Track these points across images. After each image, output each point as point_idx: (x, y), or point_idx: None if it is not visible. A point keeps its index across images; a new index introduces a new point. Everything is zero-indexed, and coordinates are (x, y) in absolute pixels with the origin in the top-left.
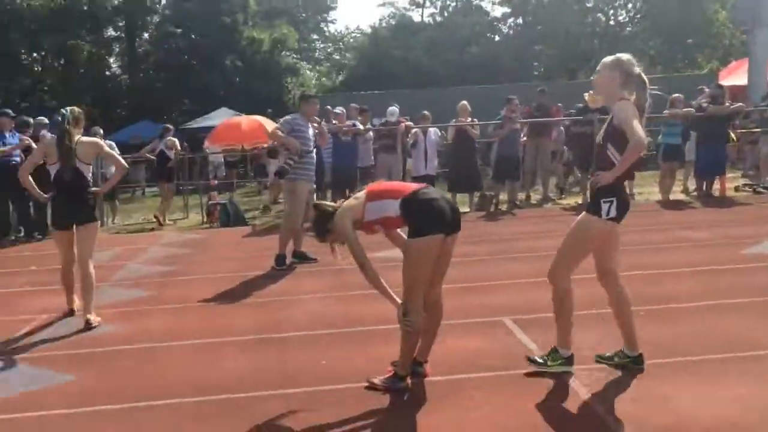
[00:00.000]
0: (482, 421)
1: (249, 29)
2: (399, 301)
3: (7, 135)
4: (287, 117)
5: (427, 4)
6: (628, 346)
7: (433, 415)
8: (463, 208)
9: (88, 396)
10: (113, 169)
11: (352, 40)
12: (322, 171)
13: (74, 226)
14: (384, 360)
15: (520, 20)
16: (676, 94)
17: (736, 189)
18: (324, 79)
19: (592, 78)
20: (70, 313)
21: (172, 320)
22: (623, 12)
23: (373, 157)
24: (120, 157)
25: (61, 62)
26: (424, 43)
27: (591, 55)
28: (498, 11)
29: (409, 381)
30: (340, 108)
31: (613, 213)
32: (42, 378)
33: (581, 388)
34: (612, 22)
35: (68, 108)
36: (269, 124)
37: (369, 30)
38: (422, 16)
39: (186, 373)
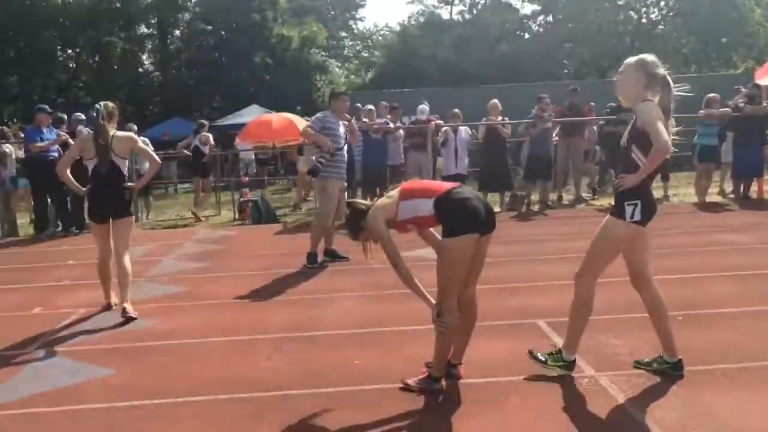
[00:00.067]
0: (521, 427)
1: (279, 26)
2: (433, 301)
3: (44, 130)
4: (318, 115)
5: (456, 1)
6: (666, 351)
7: (471, 419)
8: (494, 208)
9: (126, 390)
10: (147, 165)
11: (380, 37)
12: (353, 169)
13: (110, 220)
14: (418, 361)
15: (550, 18)
16: (713, 94)
17: None
18: (353, 76)
19: (615, 79)
20: (108, 307)
21: (206, 316)
22: (655, 10)
23: (403, 156)
24: (153, 153)
25: (96, 59)
26: (453, 40)
27: (623, 54)
28: (528, 8)
29: (443, 383)
30: (371, 105)
31: (637, 216)
32: (83, 371)
33: (619, 393)
34: (644, 20)
35: (102, 103)
36: (300, 122)
37: (398, 28)
38: (451, 13)
39: (221, 370)
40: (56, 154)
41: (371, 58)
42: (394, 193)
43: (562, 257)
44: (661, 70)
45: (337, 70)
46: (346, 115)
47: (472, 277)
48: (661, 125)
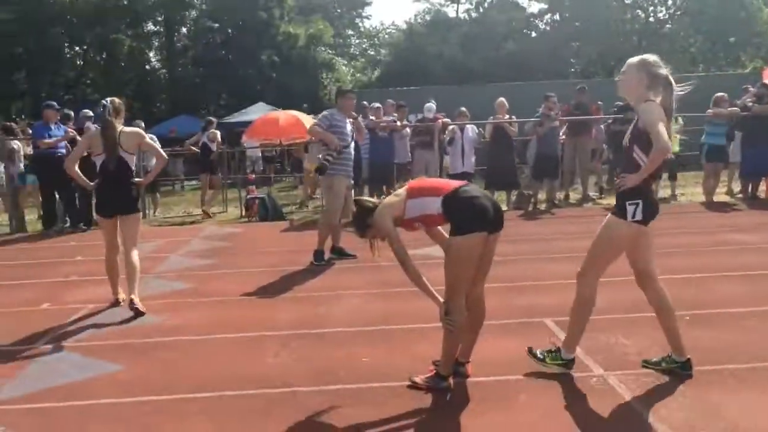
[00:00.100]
0: (529, 425)
1: (285, 24)
2: (441, 299)
3: (52, 127)
4: (325, 112)
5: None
6: (675, 351)
7: (479, 417)
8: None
9: (135, 386)
10: (153, 161)
11: (387, 35)
12: (360, 167)
13: (118, 216)
14: (425, 359)
15: (557, 16)
16: (721, 93)
17: None
18: (359, 74)
19: (617, 79)
20: (116, 303)
21: (213, 313)
22: (663, 8)
23: (410, 154)
24: (160, 148)
25: (103, 56)
26: (459, 39)
27: (630, 53)
28: (535, 7)
29: (451, 381)
30: (378, 103)
31: (638, 216)
32: (92, 367)
33: (628, 393)
34: (652, 19)
35: (108, 99)
36: (306, 120)
37: (404, 26)
38: (458, 11)
39: (228, 367)
40: (64, 151)
41: (377, 56)
42: (402, 191)
43: (569, 256)
44: (664, 71)
45: (343, 68)
46: (353, 113)
47: (481, 275)
48: (662, 126)
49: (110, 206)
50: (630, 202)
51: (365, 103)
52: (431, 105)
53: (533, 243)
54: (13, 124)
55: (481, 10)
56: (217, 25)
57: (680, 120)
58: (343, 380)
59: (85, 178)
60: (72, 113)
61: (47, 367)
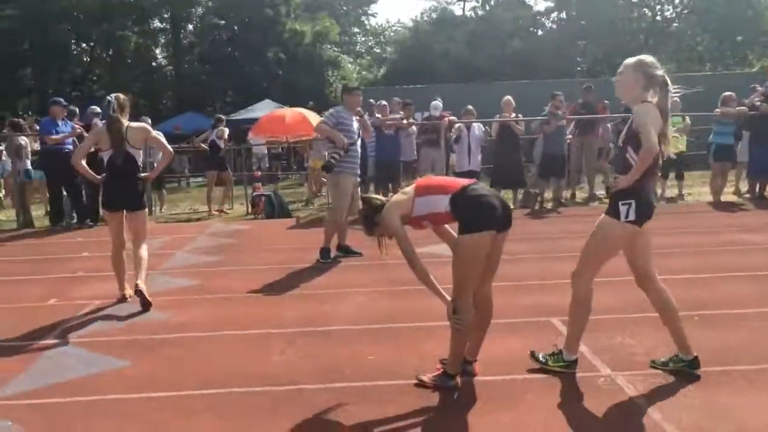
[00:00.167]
0: (536, 424)
1: (291, 21)
2: (448, 298)
3: (59, 123)
4: (331, 110)
5: None
6: (681, 350)
7: (486, 416)
8: None
9: (142, 382)
10: (160, 156)
11: (393, 33)
12: (365, 165)
13: (124, 212)
14: (433, 357)
15: (563, 15)
16: (729, 92)
17: None
18: (365, 72)
19: (613, 79)
20: (123, 299)
21: (220, 310)
22: (669, 7)
23: (416, 152)
24: (166, 143)
25: (109, 53)
26: (465, 37)
27: (636, 52)
28: (541, 5)
29: (458, 380)
30: (384, 101)
31: (632, 216)
32: (99, 363)
33: (636, 393)
34: (658, 18)
35: (113, 95)
36: (313, 117)
37: (410, 23)
38: (464, 9)
39: (235, 364)
40: (71, 147)
41: (383, 54)
42: (410, 189)
43: (575, 255)
44: (660, 71)
45: (349, 65)
46: (360, 110)
47: (489, 274)
48: (652, 127)
49: (117, 201)
50: (623, 202)
51: (372, 100)
52: (437, 103)
53: (539, 242)
54: (21, 120)
55: (488, 8)
56: (223, 22)
57: (687, 119)
58: (349, 378)
59: (92, 173)
60: (77, 109)
61: (53, 363)
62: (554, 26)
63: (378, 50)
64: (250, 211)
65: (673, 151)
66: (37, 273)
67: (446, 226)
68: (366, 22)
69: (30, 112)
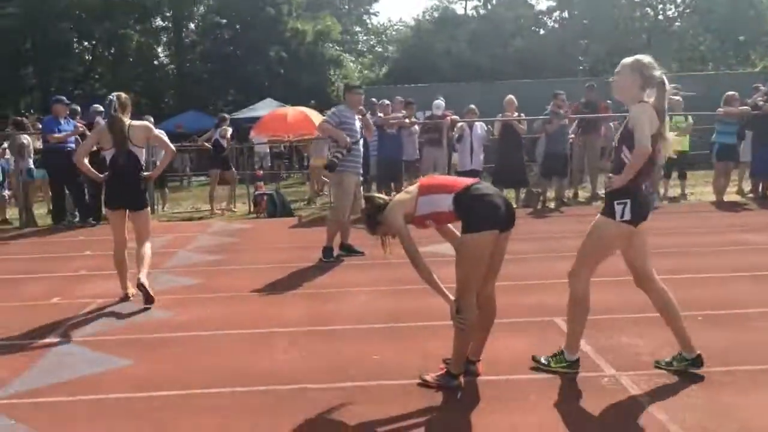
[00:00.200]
0: (540, 424)
1: (293, 20)
2: (452, 297)
3: (62, 121)
4: (334, 109)
5: None
6: (684, 349)
7: (490, 416)
8: None
9: (145, 381)
10: (162, 155)
11: (394, 32)
12: (368, 163)
13: (127, 211)
14: (436, 357)
15: (565, 14)
16: (732, 92)
17: None
18: (367, 71)
19: (611, 79)
20: (125, 297)
21: (222, 309)
22: (672, 6)
23: (418, 151)
24: (169, 141)
25: (111, 51)
26: (467, 36)
27: (639, 51)
28: (543, 4)
29: (462, 379)
30: (386, 100)
31: (627, 215)
32: (102, 361)
33: (640, 393)
34: (661, 17)
35: (114, 94)
36: (315, 116)
37: (412, 22)
38: (465, 8)
39: (238, 363)
40: (74, 145)
41: (385, 53)
42: (413, 188)
43: None
44: (658, 72)
45: (351, 64)
46: (362, 109)
47: (492, 273)
48: (646, 127)
49: (120, 200)
50: (618, 201)
51: (374, 99)
52: (440, 102)
53: (542, 241)
54: (23, 118)
55: (489, 7)
56: (225, 21)
57: (690, 119)
58: (352, 377)
59: (94, 171)
60: (78, 108)
61: (57, 362)
62: (556, 25)
63: (380, 49)
64: (252, 210)
65: (674, 149)
66: (40, 271)
67: (449, 225)
68: (368, 21)
69: (32, 111)
